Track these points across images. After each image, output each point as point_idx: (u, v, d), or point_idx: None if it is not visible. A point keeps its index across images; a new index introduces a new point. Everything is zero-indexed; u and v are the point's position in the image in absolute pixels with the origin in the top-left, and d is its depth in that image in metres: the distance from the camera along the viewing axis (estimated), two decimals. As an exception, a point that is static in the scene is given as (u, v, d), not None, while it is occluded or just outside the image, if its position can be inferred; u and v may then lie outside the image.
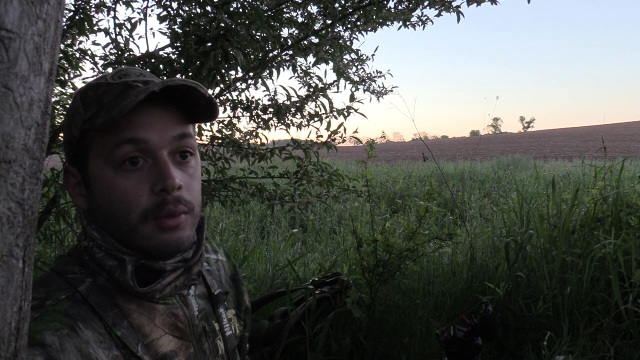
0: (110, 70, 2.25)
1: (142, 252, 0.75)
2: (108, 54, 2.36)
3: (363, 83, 3.10)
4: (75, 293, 0.72)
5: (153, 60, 2.05)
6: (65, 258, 0.78)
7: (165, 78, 0.75)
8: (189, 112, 0.79)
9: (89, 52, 2.67)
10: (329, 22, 2.56)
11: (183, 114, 0.78)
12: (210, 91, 2.08)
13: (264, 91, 2.66)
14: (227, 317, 0.95)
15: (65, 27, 2.41)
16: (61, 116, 2.46)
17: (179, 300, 0.82)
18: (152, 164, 0.73)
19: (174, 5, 2.27)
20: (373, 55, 3.07)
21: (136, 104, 0.67)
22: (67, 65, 2.55)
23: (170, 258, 0.77)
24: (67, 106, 0.75)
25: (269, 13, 2.23)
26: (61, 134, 2.30)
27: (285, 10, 2.55)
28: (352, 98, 2.67)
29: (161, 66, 2.03)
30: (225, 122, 2.74)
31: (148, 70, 2.07)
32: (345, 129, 2.53)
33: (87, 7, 2.34)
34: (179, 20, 2.19)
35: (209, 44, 1.93)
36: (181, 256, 0.79)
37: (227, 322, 0.93)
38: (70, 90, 2.57)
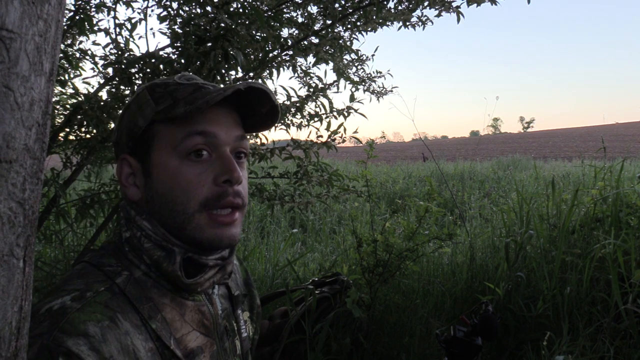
0: (110, 70, 2.25)
1: (191, 244, 0.78)
2: (108, 54, 2.35)
3: (363, 83, 3.10)
4: (112, 285, 0.73)
5: (153, 61, 2.05)
6: (99, 251, 0.80)
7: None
8: (247, 120, 0.86)
9: (89, 52, 2.67)
10: (329, 22, 2.55)
11: (241, 119, 0.85)
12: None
13: (263, 91, 2.65)
14: (243, 319, 0.97)
15: (65, 27, 2.41)
16: (61, 116, 2.46)
17: (204, 298, 0.84)
18: (215, 157, 0.78)
19: (174, 5, 2.28)
20: (373, 55, 3.07)
21: (216, 101, 0.73)
22: (67, 66, 2.55)
23: (213, 254, 0.81)
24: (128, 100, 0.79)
25: (269, 13, 2.23)
26: (61, 135, 2.30)
27: (285, 10, 2.55)
28: (352, 98, 2.67)
29: (161, 66, 2.03)
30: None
31: (148, 70, 2.07)
32: (345, 129, 2.53)
33: (88, 7, 2.34)
34: (179, 20, 2.19)
35: (209, 44, 1.93)
36: (220, 254, 0.83)
37: (244, 323, 0.96)
38: (71, 90, 2.56)
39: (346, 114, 2.63)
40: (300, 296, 2.61)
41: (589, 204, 3.06)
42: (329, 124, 2.56)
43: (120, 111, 0.82)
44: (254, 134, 2.73)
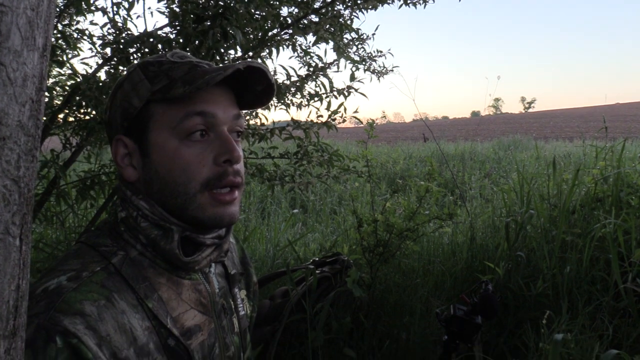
0: (108, 50, 2.23)
1: (191, 224, 0.79)
2: (106, 34, 2.33)
3: (363, 62, 3.07)
4: (108, 265, 0.74)
5: (152, 40, 2.03)
6: (95, 232, 0.80)
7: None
8: (241, 98, 0.85)
9: (86, 32, 2.64)
10: (329, 0, 2.52)
11: (236, 97, 0.84)
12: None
13: (263, 71, 2.62)
14: (240, 297, 0.98)
15: (62, 6, 2.38)
16: (60, 97, 2.44)
17: (201, 277, 0.85)
18: (214, 137, 0.78)
19: (172, -17, 2.24)
20: (374, 34, 3.03)
21: (217, 81, 0.72)
22: (65, 46, 2.52)
23: (210, 233, 0.82)
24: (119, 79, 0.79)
25: (268, -9, 2.20)
26: (60, 116, 2.29)
27: (284, -12, 2.52)
28: (352, 78, 2.64)
29: (160, 46, 2.01)
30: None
31: (147, 50, 2.05)
32: (345, 109, 2.51)
33: (84, -15, 2.31)
34: (177, -1, 2.16)
35: (208, 23, 1.90)
36: (217, 232, 0.83)
37: (241, 302, 0.97)
38: (69, 71, 2.55)
39: (346, 94, 2.61)
40: (301, 276, 2.62)
41: (589, 184, 3.05)
42: (329, 103, 2.55)
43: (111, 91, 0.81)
44: (254, 114, 2.72)
